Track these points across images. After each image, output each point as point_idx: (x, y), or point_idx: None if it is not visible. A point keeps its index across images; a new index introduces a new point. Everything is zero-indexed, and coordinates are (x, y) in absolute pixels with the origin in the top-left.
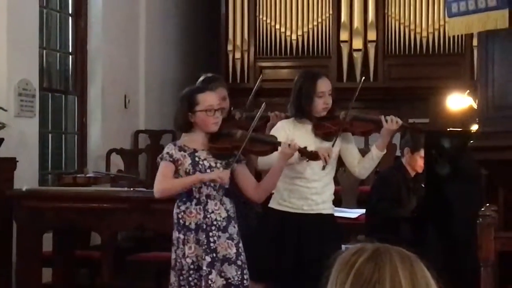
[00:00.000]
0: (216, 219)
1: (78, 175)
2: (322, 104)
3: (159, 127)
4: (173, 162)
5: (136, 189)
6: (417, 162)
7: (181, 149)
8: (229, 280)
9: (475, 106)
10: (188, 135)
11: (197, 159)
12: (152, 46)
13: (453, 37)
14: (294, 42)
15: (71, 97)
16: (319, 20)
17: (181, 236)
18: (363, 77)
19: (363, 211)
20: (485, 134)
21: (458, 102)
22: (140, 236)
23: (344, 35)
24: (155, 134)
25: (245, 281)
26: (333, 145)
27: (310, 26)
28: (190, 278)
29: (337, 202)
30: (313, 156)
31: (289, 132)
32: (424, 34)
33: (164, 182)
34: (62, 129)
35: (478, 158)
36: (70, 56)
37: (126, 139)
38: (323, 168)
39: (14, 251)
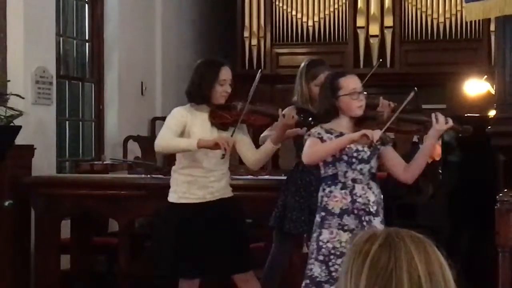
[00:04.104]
0: (365, 203)
1: (95, 162)
2: (222, 91)
3: None
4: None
5: (153, 176)
6: (436, 150)
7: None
8: None
9: (492, 91)
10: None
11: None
12: (169, 33)
13: (471, 22)
14: (310, 28)
15: (88, 84)
16: (336, 6)
17: (318, 220)
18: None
19: None
20: (502, 119)
21: (475, 87)
22: None
23: (360, 21)
24: None
25: None
26: (232, 135)
27: (327, 12)
28: (330, 263)
29: None
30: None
31: (186, 118)
32: (441, 19)
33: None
34: (79, 116)
35: (495, 143)
36: (87, 44)
37: (143, 126)
38: (222, 156)
39: (32, 238)
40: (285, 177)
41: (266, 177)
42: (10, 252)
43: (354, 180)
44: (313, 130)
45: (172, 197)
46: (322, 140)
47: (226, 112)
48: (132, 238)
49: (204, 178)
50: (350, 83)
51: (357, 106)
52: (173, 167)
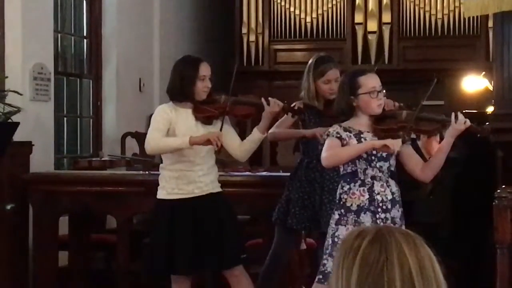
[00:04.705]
0: (383, 201)
1: (94, 159)
2: (203, 87)
3: None
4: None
5: (151, 172)
6: (433, 147)
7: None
8: None
9: (491, 87)
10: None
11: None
12: (167, 29)
13: (469, 18)
14: (308, 25)
15: (86, 81)
16: (334, 2)
17: (336, 217)
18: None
19: None
20: (501, 115)
21: (473, 84)
22: None
23: (358, 17)
24: None
25: None
26: (220, 129)
27: (325, 8)
28: None
29: None
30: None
31: (171, 115)
32: (439, 15)
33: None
34: (77, 113)
35: (494, 139)
36: (85, 40)
37: (141, 123)
38: (216, 152)
39: (31, 235)
40: (283, 174)
41: (264, 173)
42: (8, 249)
43: (373, 178)
44: (331, 130)
45: (161, 194)
46: (341, 139)
47: (210, 106)
48: (130, 235)
49: (192, 172)
50: (370, 81)
51: (377, 104)
52: (161, 165)
